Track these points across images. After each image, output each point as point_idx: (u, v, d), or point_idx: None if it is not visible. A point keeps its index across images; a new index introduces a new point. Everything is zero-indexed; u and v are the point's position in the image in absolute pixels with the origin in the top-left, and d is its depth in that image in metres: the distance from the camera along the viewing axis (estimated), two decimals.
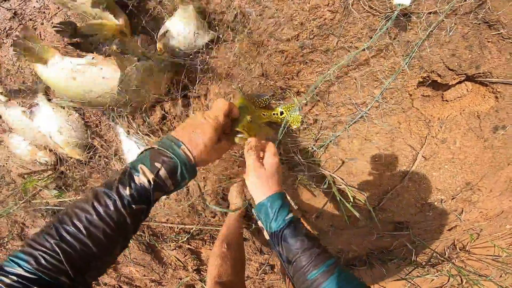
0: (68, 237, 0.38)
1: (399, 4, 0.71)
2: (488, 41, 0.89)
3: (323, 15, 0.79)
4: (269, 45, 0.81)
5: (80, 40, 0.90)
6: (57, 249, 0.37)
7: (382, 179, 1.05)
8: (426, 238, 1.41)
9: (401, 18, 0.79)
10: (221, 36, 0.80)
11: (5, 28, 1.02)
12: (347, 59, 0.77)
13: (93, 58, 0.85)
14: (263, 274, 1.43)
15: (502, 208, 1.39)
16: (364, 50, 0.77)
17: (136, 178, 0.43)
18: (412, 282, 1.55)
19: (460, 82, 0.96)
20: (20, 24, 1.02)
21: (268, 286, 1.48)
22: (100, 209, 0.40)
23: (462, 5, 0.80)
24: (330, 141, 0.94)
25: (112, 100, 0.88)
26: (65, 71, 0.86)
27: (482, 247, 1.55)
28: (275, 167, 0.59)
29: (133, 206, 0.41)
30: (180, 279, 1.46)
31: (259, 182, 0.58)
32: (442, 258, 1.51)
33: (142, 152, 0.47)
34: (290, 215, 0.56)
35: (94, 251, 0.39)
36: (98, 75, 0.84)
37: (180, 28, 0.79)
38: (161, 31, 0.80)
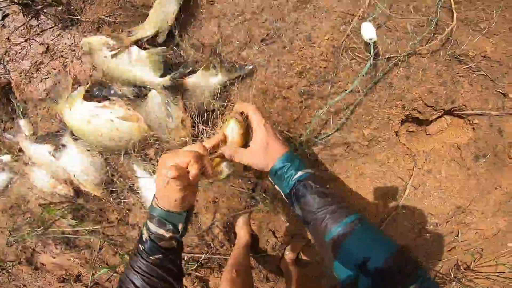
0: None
1: (370, 39, 0.80)
2: (460, 76, 0.98)
3: (318, 64, 0.93)
4: (273, 92, 0.93)
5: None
6: None
7: (378, 209, 1.13)
8: (429, 259, 1.44)
9: (382, 60, 0.90)
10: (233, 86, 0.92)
11: (36, 62, 1.07)
12: (332, 103, 0.88)
13: (108, 103, 0.96)
14: None
15: (499, 228, 1.44)
16: (348, 93, 0.88)
17: (143, 235, 0.55)
18: None
19: (440, 117, 1.08)
20: (51, 60, 1.06)
21: None
22: (135, 265, 0.52)
23: (432, 43, 0.90)
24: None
25: (121, 144, 0.98)
26: (84, 114, 0.96)
27: (487, 266, 1.56)
28: (264, 137, 0.56)
29: (151, 257, 0.52)
30: None
31: (258, 161, 0.57)
32: (448, 278, 1.52)
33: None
34: (299, 173, 0.53)
35: None
36: (108, 118, 0.94)
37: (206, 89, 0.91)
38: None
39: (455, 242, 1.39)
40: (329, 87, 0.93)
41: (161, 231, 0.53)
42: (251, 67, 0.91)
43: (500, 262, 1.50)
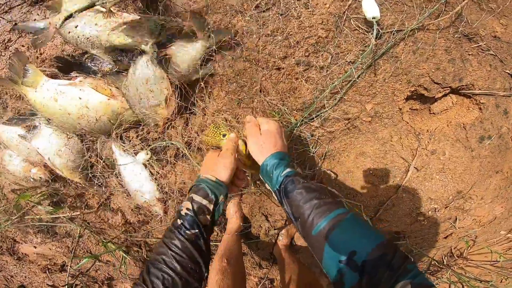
0: (164, 267, 0.50)
1: (373, 17, 0.76)
2: (469, 54, 0.94)
3: (317, 33, 0.84)
4: (266, 62, 0.84)
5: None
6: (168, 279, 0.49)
7: (377, 191, 1.08)
8: (424, 246, 1.42)
9: (386, 34, 0.84)
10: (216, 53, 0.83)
11: (3, 40, 1.03)
12: (338, 82, 0.81)
13: (80, 80, 0.87)
14: None
15: (495, 215, 1.43)
16: (350, 65, 0.82)
17: (181, 210, 0.56)
18: None
19: (445, 95, 1.02)
20: (19, 37, 1.02)
21: None
22: (169, 242, 0.53)
23: (442, 19, 0.86)
24: (327, 154, 0.96)
25: (91, 126, 0.89)
26: (50, 93, 0.88)
27: (480, 254, 1.56)
28: (269, 132, 0.63)
29: (188, 232, 0.54)
30: None
31: (256, 147, 0.63)
32: (441, 266, 1.52)
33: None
34: (287, 170, 0.57)
35: (183, 275, 0.50)
36: (76, 96, 0.86)
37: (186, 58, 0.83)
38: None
39: (451, 229, 1.37)
40: (330, 58, 0.84)
41: (204, 202, 0.57)
42: (228, 33, 0.83)
43: (494, 250, 1.50)
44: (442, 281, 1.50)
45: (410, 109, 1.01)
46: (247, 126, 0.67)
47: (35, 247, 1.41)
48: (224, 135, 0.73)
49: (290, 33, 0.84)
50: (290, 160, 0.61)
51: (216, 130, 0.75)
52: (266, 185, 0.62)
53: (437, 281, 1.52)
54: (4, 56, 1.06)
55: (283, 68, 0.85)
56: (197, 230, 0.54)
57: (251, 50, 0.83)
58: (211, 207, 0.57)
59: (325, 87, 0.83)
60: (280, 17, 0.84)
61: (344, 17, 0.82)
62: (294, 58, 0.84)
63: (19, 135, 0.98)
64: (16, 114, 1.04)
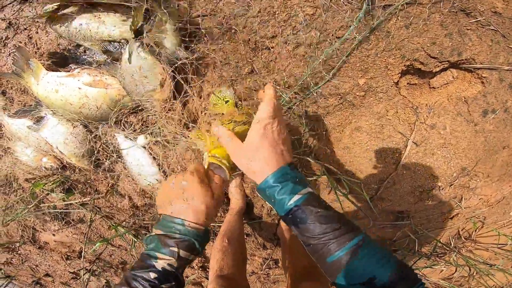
0: None
1: None
2: (467, 29, 0.91)
3: (304, 11, 0.83)
4: (255, 43, 0.84)
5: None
6: None
7: (377, 167, 1.07)
8: (429, 227, 1.40)
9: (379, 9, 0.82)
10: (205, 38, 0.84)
11: (1, 38, 1.06)
12: (325, 53, 0.80)
13: (78, 71, 0.91)
14: (268, 269, 1.44)
15: (503, 194, 1.38)
16: (342, 43, 0.80)
17: (156, 264, 0.45)
18: (420, 273, 1.54)
19: (445, 69, 0.99)
20: (16, 34, 1.06)
21: (273, 281, 1.50)
22: None
23: None
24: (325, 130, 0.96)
25: (93, 114, 0.92)
26: (50, 85, 0.92)
27: (488, 236, 1.53)
28: (254, 142, 0.47)
29: (162, 286, 0.44)
30: (187, 277, 1.48)
31: (245, 169, 0.49)
32: (447, 248, 1.50)
33: (149, 237, 0.49)
34: (296, 197, 0.46)
35: None
36: (76, 86, 0.89)
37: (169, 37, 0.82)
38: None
39: (457, 208, 1.34)
40: (318, 35, 0.83)
41: (191, 257, 0.47)
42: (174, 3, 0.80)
43: (502, 233, 1.46)
44: (448, 263, 1.49)
45: (408, 83, 0.99)
46: (220, 140, 0.52)
47: (53, 234, 1.50)
48: (227, 101, 0.64)
49: (277, 12, 0.83)
50: (295, 176, 0.47)
51: (218, 97, 0.67)
52: (266, 202, 0.53)
53: (445, 264, 1.51)
54: (3, 53, 1.12)
55: (273, 48, 0.85)
56: (174, 283, 0.46)
57: (240, 32, 0.83)
58: (195, 258, 0.50)
59: (315, 63, 0.83)
60: None
61: None
62: (282, 36, 0.83)
63: (27, 126, 1.04)
64: (23, 106, 1.10)
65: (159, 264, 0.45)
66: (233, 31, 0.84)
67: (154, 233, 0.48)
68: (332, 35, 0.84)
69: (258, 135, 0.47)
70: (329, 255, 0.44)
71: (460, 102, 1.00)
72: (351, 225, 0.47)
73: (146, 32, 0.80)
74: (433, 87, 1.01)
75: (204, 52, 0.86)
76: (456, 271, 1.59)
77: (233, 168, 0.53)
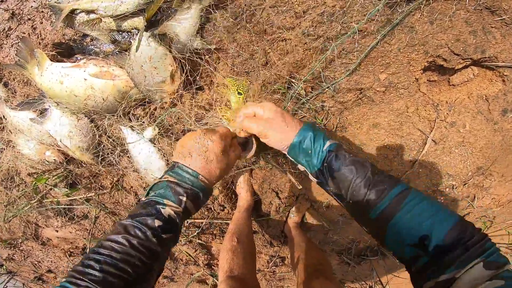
0: (109, 268, 0.38)
1: None
2: (492, 27, 0.88)
3: (325, 2, 0.79)
4: (271, 34, 0.80)
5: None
6: (100, 277, 0.37)
7: (392, 165, 1.04)
8: None
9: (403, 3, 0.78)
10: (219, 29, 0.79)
11: (4, 29, 1.03)
12: (342, 40, 0.76)
13: (84, 62, 0.87)
14: (274, 267, 1.43)
15: None
16: (362, 35, 0.76)
17: (162, 210, 0.44)
18: None
19: (466, 67, 0.95)
20: (19, 24, 1.03)
21: (279, 278, 1.48)
22: (134, 241, 0.41)
23: None
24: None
25: (99, 106, 0.89)
26: (55, 76, 0.88)
27: (496, 235, 1.52)
28: (275, 112, 0.53)
29: (163, 235, 0.43)
30: (192, 274, 1.47)
31: (275, 132, 0.51)
32: None
33: (157, 183, 0.48)
34: (327, 143, 0.47)
35: (134, 278, 0.40)
36: (81, 77, 0.86)
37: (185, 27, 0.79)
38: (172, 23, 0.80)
39: (469, 208, 1.32)
40: (339, 28, 0.79)
41: (193, 210, 0.49)
42: None
43: (510, 232, 1.45)
44: None
45: (427, 80, 0.95)
46: (245, 124, 0.55)
47: (56, 231, 1.48)
48: (240, 93, 0.66)
49: (296, 2, 0.79)
50: (320, 129, 0.51)
51: (233, 85, 0.68)
52: (299, 166, 0.52)
53: None
54: (6, 44, 1.07)
55: (290, 39, 0.81)
56: (172, 234, 0.45)
57: (255, 22, 0.79)
58: (195, 212, 0.51)
59: (333, 56, 0.78)
60: None
61: None
62: (300, 28, 0.79)
63: (30, 119, 1.00)
64: (25, 98, 1.06)
65: (166, 211, 0.44)
66: (249, 21, 0.80)
67: (164, 179, 0.48)
68: (351, 28, 0.79)
69: (273, 111, 0.53)
70: (371, 209, 0.40)
71: (481, 100, 0.96)
72: (389, 174, 0.43)
73: (159, 21, 0.76)
74: (452, 85, 0.98)
75: (218, 43, 0.81)
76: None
77: (258, 147, 0.57)
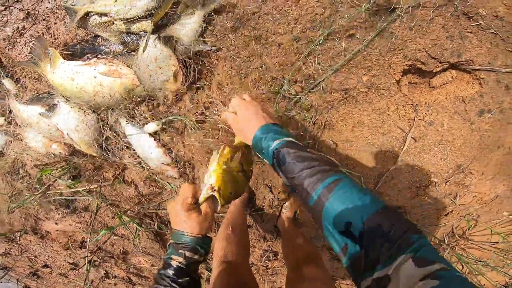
0: None
1: None
2: (468, 32, 0.96)
3: (314, 10, 0.88)
4: (266, 39, 0.89)
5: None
6: None
7: (376, 161, 1.12)
8: (424, 224, 1.45)
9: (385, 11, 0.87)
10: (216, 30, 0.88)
11: (18, 28, 1.09)
12: (319, 41, 0.84)
13: (94, 61, 0.95)
14: (267, 261, 1.47)
15: (497, 193, 1.43)
16: (347, 40, 0.84)
17: (171, 262, 0.59)
18: None
19: (445, 70, 1.04)
20: (33, 24, 1.09)
21: (272, 273, 1.53)
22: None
23: None
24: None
25: (109, 100, 0.96)
26: (67, 73, 0.95)
27: (481, 235, 1.57)
28: (244, 114, 0.63)
29: (180, 280, 0.57)
30: None
31: (241, 133, 0.65)
32: (441, 245, 1.54)
33: (168, 247, 0.63)
34: (275, 142, 0.55)
35: None
36: (91, 75, 0.93)
37: (188, 30, 0.88)
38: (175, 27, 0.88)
39: (452, 205, 1.38)
40: (326, 33, 0.87)
41: (196, 257, 0.60)
42: (216, 1, 0.87)
43: (495, 231, 1.50)
44: None
45: (409, 82, 1.03)
46: (228, 119, 0.67)
47: (56, 223, 1.51)
48: (230, 193, 0.65)
49: (288, 11, 0.88)
50: (277, 129, 0.58)
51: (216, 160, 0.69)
52: (264, 160, 0.61)
53: None
54: (19, 43, 1.14)
55: (282, 44, 0.89)
56: (188, 278, 0.58)
57: (252, 28, 0.88)
58: (201, 258, 0.61)
59: (322, 61, 0.87)
60: None
61: None
62: (292, 34, 0.88)
63: (39, 113, 1.06)
64: (35, 94, 1.12)
65: (174, 263, 0.59)
66: (246, 27, 0.88)
67: (170, 243, 0.63)
68: (337, 33, 0.88)
69: (243, 112, 0.64)
70: (308, 197, 0.44)
71: (458, 101, 1.05)
72: (329, 165, 0.46)
73: (165, 24, 0.84)
74: (432, 87, 1.06)
75: (217, 46, 0.90)
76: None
77: (227, 200, 0.65)
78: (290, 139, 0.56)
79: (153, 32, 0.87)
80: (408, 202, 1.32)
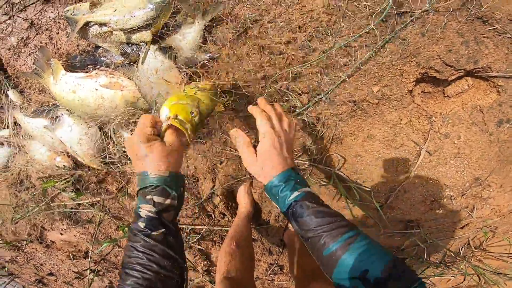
0: (139, 267, 0.49)
1: None
2: (484, 37, 0.90)
3: (319, 17, 0.84)
4: (269, 48, 0.85)
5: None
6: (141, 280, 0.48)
7: (388, 176, 1.06)
8: (439, 236, 1.38)
9: (395, 16, 0.82)
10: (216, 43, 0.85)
11: (22, 38, 1.09)
12: (337, 46, 0.79)
13: (95, 72, 0.93)
14: (273, 275, 1.43)
15: None
16: (356, 48, 0.80)
17: (140, 213, 0.53)
18: (428, 281, 1.51)
19: (460, 78, 0.98)
20: (37, 34, 1.09)
21: (277, 287, 1.48)
22: (137, 245, 0.51)
23: (451, 1, 0.82)
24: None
25: (108, 114, 0.93)
26: (68, 85, 0.94)
27: (499, 246, 1.50)
28: (265, 152, 0.58)
29: (154, 233, 0.51)
30: (191, 280, 1.48)
31: (256, 172, 0.59)
32: (456, 257, 1.48)
33: (137, 198, 0.56)
34: (295, 194, 0.54)
35: (162, 273, 0.49)
36: (93, 87, 0.91)
37: (189, 40, 0.85)
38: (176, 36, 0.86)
39: (468, 218, 1.32)
40: (333, 41, 0.83)
41: (167, 201, 0.53)
42: (222, 6, 0.84)
43: None
44: (458, 273, 1.46)
45: (422, 92, 0.98)
46: (237, 146, 0.62)
47: (61, 234, 1.52)
48: (192, 113, 0.60)
49: (292, 18, 0.84)
50: (297, 178, 0.57)
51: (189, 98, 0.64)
52: (272, 201, 0.60)
53: (455, 274, 1.48)
54: (24, 53, 1.14)
55: (287, 53, 0.86)
56: (163, 229, 0.52)
57: (254, 37, 0.84)
58: (175, 202, 0.55)
59: (328, 70, 0.83)
60: (281, 2, 0.84)
61: (346, 0, 0.81)
62: (297, 43, 0.84)
63: (44, 126, 1.06)
64: (40, 106, 1.12)
65: (143, 212, 0.52)
66: (248, 35, 0.85)
67: (137, 191, 0.56)
68: (344, 41, 0.84)
69: (268, 145, 0.58)
70: (324, 248, 0.49)
71: (475, 111, 0.99)
72: (346, 221, 0.52)
73: (165, 34, 0.82)
74: (447, 96, 1.00)
75: (218, 55, 0.87)
76: (464, 279, 1.56)
77: (194, 131, 0.57)
78: (309, 189, 0.56)
79: (153, 43, 0.85)
80: (422, 215, 1.26)
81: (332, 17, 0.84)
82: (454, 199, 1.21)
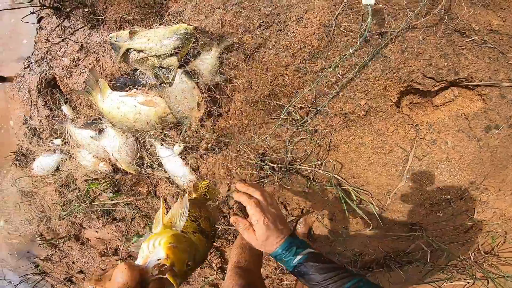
0: None
1: (367, 5, 0.83)
2: (463, 49, 0.97)
3: (311, 43, 1.00)
4: (272, 70, 1.03)
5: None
6: None
7: (382, 179, 1.15)
8: (445, 240, 1.40)
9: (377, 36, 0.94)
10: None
11: (74, 59, 1.27)
12: (335, 65, 0.93)
13: (134, 91, 1.15)
14: (281, 274, 1.52)
15: None
16: (343, 67, 0.94)
17: None
18: (436, 285, 1.51)
19: (445, 88, 1.07)
20: (86, 56, 1.27)
21: (286, 286, 1.56)
22: None
23: (429, 17, 0.90)
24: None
25: (144, 127, 1.12)
26: (113, 102, 1.15)
27: (510, 251, 1.48)
28: (263, 231, 0.64)
29: None
30: (206, 277, 1.60)
31: (259, 247, 0.67)
32: (467, 263, 1.47)
33: None
34: (298, 257, 0.62)
35: None
36: (132, 104, 1.11)
37: (207, 65, 1.05)
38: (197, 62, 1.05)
39: (471, 221, 1.34)
40: (323, 63, 1.00)
41: None
42: (231, 40, 1.02)
43: None
44: (467, 278, 1.45)
45: (410, 103, 1.09)
46: (239, 230, 0.69)
47: (96, 231, 1.71)
48: (188, 265, 0.50)
49: (289, 45, 1.02)
50: (297, 243, 0.64)
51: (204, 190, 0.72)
52: (278, 262, 0.71)
53: (467, 280, 1.47)
54: (75, 72, 1.34)
55: (286, 75, 1.03)
56: None
57: (259, 61, 1.03)
58: None
59: (321, 88, 0.99)
60: (280, 32, 1.02)
61: (333, 27, 0.97)
62: (294, 65, 1.02)
63: (91, 136, 1.29)
64: (88, 120, 1.36)
65: None
66: (255, 60, 1.04)
67: None
68: (334, 62, 0.99)
69: (263, 230, 0.65)
70: None
71: (460, 119, 1.07)
72: (348, 272, 0.61)
73: (190, 60, 1.01)
74: (436, 106, 1.10)
75: (231, 77, 1.05)
76: (473, 283, 1.53)
77: (183, 278, 0.50)
78: (310, 250, 0.64)
79: (179, 67, 1.06)
80: (424, 219, 1.30)
81: (322, 42, 0.99)
82: (453, 202, 1.26)
